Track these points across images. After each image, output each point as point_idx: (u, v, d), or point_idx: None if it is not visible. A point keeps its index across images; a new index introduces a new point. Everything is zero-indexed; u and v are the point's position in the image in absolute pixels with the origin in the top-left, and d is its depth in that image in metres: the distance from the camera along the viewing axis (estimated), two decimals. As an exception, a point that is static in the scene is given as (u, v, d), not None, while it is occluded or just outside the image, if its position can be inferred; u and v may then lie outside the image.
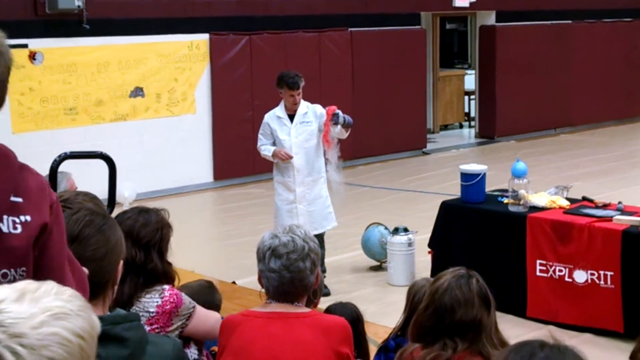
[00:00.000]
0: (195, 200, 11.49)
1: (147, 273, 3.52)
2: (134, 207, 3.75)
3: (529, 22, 16.13)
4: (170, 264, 3.64)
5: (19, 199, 1.99)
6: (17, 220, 1.98)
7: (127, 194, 10.64)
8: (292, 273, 3.12)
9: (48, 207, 2.03)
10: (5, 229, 1.96)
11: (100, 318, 1.35)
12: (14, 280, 1.93)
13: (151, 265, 3.52)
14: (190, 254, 7.86)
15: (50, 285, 1.28)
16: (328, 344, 3.08)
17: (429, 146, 15.33)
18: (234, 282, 7.88)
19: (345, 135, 7.37)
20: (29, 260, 2.00)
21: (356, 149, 13.28)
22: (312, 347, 3.08)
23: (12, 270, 1.97)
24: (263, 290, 3.25)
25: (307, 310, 3.21)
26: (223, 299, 7.40)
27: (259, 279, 3.23)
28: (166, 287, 3.55)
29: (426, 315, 3.11)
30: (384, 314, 6.72)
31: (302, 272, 3.13)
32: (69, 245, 2.14)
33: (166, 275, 3.58)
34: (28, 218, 1.99)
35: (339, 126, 7.21)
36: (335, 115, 7.17)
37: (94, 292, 2.09)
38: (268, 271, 3.15)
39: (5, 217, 1.97)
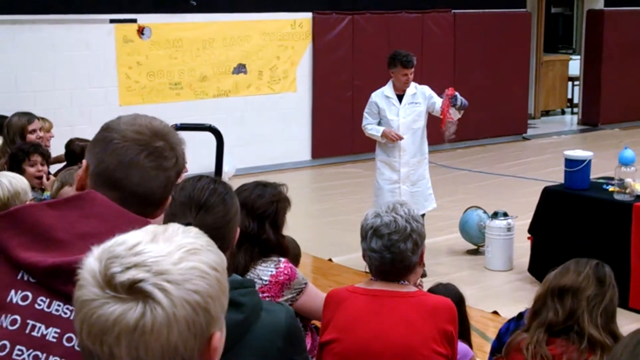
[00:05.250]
0: (293, 178, 11.57)
1: (261, 244, 3.57)
2: (254, 180, 3.78)
3: (638, 7, 15.63)
4: (284, 237, 3.67)
5: None
6: None
7: (227, 169, 10.82)
8: (392, 254, 3.10)
9: None
10: None
11: None
12: None
13: (264, 236, 3.56)
14: (287, 230, 7.93)
15: (175, 226, 1.32)
16: (434, 324, 3.07)
17: (529, 132, 15.06)
18: (330, 260, 7.95)
19: (457, 117, 7.35)
20: None
21: (456, 131, 13.14)
22: (418, 326, 3.07)
23: None
24: (367, 268, 3.26)
25: (413, 289, 3.21)
26: (319, 276, 7.50)
27: (364, 257, 3.24)
28: (282, 259, 3.60)
29: (540, 291, 3.20)
30: (480, 298, 6.68)
31: (403, 253, 3.11)
32: (195, 214, 2.20)
33: (280, 247, 3.61)
34: None
35: (453, 108, 7.22)
36: (454, 97, 7.18)
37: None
38: (370, 251, 3.15)
39: None
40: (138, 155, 1.93)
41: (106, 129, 1.98)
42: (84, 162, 2.01)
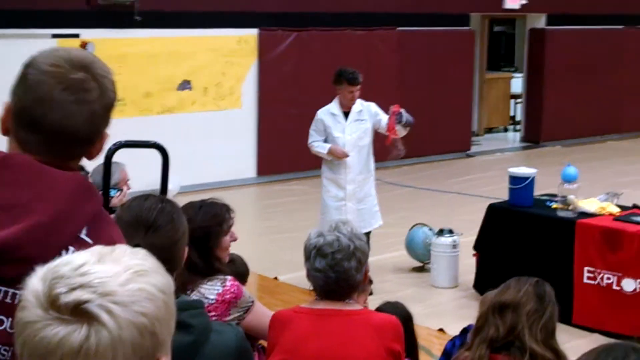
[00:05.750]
0: (238, 195, 11.50)
1: (190, 267, 3.43)
2: (201, 200, 3.65)
3: (579, 27, 15.94)
4: (217, 259, 3.49)
5: (89, 240, 1.80)
6: None
7: (171, 186, 10.66)
8: (337, 273, 3.10)
9: None
10: None
11: None
12: None
13: (191, 259, 3.40)
14: (232, 248, 7.85)
15: (122, 247, 1.28)
16: (380, 342, 3.06)
17: (473, 149, 15.23)
18: (276, 278, 7.90)
19: (403, 134, 7.39)
20: None
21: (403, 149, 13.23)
22: (364, 345, 3.06)
23: None
24: (311, 287, 3.23)
25: (358, 307, 3.20)
26: (265, 294, 7.45)
27: (308, 277, 3.22)
28: (229, 277, 3.52)
29: (481, 308, 3.25)
30: (426, 315, 6.68)
31: (347, 271, 3.11)
32: (143, 234, 2.11)
33: (212, 271, 3.45)
34: None
35: (399, 125, 7.25)
36: (400, 114, 7.21)
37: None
38: (314, 270, 3.14)
39: (71, 248, 1.76)
40: (54, 90, 1.80)
41: (24, 64, 1.87)
42: (6, 102, 1.88)
